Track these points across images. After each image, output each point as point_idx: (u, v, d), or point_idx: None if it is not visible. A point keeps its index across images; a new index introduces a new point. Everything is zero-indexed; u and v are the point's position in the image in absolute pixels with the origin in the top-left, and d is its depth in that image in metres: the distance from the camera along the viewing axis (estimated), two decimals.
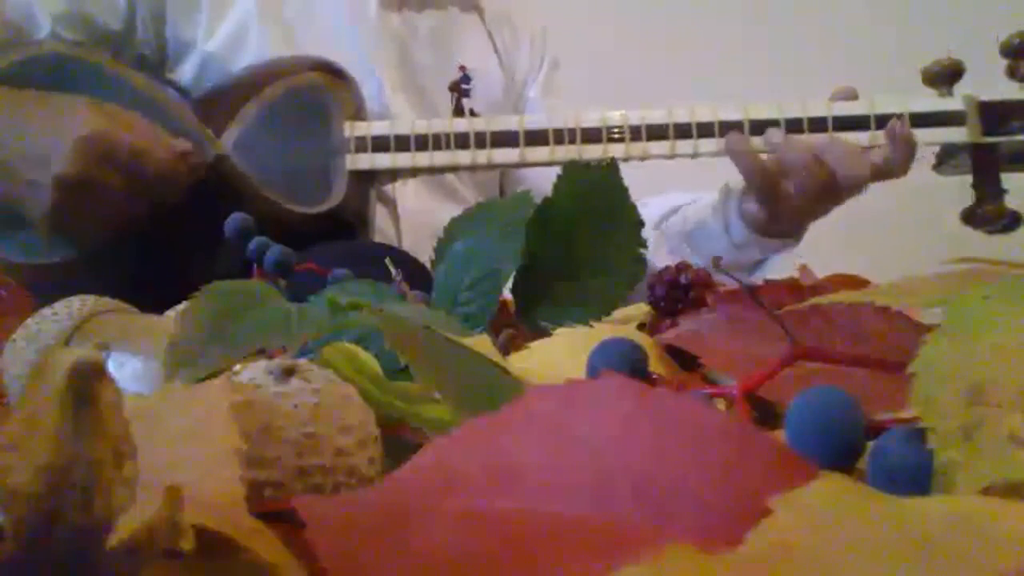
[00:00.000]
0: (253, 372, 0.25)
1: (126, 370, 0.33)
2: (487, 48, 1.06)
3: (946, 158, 0.83)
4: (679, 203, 0.95)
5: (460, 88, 1.01)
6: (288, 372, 0.25)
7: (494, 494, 0.18)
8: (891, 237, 1.16)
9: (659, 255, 0.89)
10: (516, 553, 0.16)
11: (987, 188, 0.82)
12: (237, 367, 0.26)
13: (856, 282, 0.44)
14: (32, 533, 0.14)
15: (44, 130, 0.74)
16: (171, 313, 0.41)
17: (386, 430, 0.27)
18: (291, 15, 0.94)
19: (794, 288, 0.41)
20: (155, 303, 0.42)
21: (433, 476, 0.19)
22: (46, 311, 0.36)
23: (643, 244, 0.48)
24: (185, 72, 0.92)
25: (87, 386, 0.15)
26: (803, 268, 0.89)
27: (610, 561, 0.15)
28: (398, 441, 0.29)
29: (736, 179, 0.85)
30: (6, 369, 0.35)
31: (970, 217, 0.82)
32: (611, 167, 0.49)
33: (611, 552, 0.16)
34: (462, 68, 1.02)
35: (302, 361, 0.26)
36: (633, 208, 0.49)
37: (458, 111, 1.00)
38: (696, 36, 1.64)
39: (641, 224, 0.48)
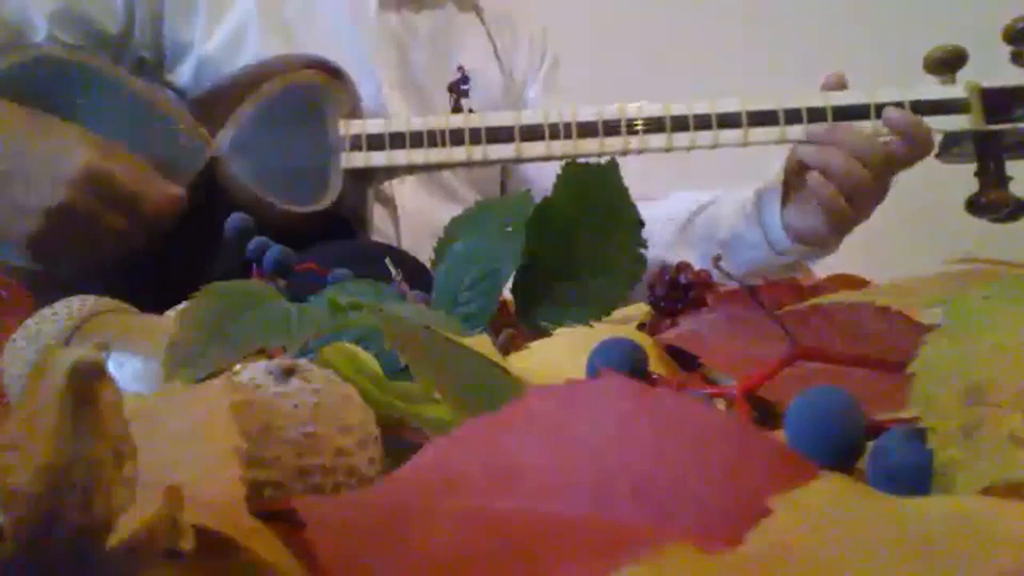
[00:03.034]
0: (253, 372, 0.25)
1: (126, 370, 0.33)
2: (486, 48, 1.06)
3: (949, 146, 0.82)
4: (702, 200, 0.95)
5: (458, 88, 1.01)
6: (288, 372, 0.25)
7: (494, 494, 0.18)
8: (891, 237, 1.16)
9: (683, 256, 0.89)
10: (516, 553, 0.16)
11: (991, 176, 0.81)
12: (237, 367, 0.26)
13: (856, 282, 0.44)
14: (32, 533, 0.14)
15: (42, 157, 0.73)
16: (171, 313, 0.41)
17: (386, 430, 0.27)
18: (291, 15, 0.94)
19: (794, 288, 0.41)
20: (155, 303, 0.42)
21: (433, 476, 0.19)
22: (46, 311, 0.36)
23: (643, 244, 0.48)
24: (183, 73, 0.92)
25: (87, 386, 0.15)
26: (803, 268, 0.89)
27: (610, 561, 0.15)
28: (398, 441, 0.29)
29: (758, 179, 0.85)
30: (6, 369, 0.35)
31: (974, 206, 0.81)
32: (611, 167, 0.49)
33: (611, 552, 0.16)
34: (460, 68, 1.02)
35: (302, 361, 0.26)
36: (633, 208, 0.49)
37: (457, 111, 1.00)
38: (696, 33, 1.64)
39: (641, 224, 0.48)
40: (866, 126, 0.78)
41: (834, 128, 0.78)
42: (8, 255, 0.79)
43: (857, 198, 0.79)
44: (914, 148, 0.78)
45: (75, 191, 0.72)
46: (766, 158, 0.87)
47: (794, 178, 0.84)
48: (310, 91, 0.84)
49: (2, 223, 0.75)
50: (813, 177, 0.80)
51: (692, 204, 0.95)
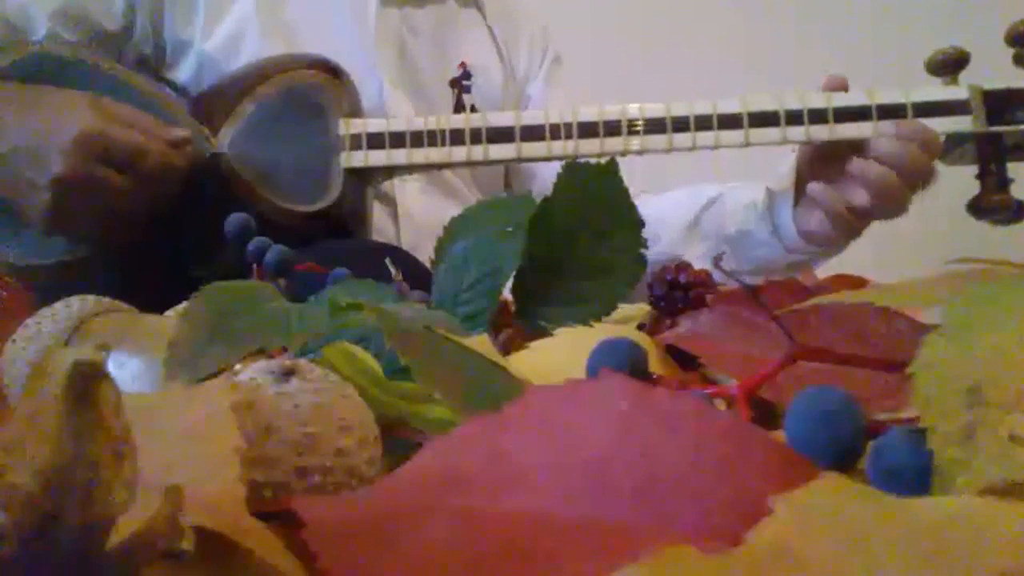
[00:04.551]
0: (253, 372, 0.25)
1: (126, 370, 0.33)
2: (488, 44, 1.06)
3: (951, 148, 0.82)
4: (711, 195, 0.95)
5: (460, 85, 1.01)
6: (288, 372, 0.25)
7: (494, 494, 0.18)
8: (891, 237, 1.16)
9: (693, 251, 0.90)
10: (516, 553, 0.16)
11: (992, 178, 0.81)
12: (237, 367, 0.26)
13: (856, 282, 0.44)
14: (32, 533, 0.14)
15: (40, 128, 0.74)
16: (171, 313, 0.41)
17: (386, 430, 0.27)
18: (291, 14, 0.94)
19: (794, 288, 0.41)
20: (155, 303, 0.42)
21: (433, 476, 0.19)
22: (46, 311, 0.36)
23: (643, 244, 0.48)
24: (184, 71, 0.92)
25: (87, 386, 0.15)
26: (804, 268, 0.89)
27: (610, 561, 0.15)
28: (398, 441, 0.29)
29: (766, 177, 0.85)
30: (6, 369, 0.35)
31: (975, 208, 0.81)
32: (611, 167, 0.49)
33: (611, 552, 0.16)
34: (462, 65, 1.02)
35: (302, 361, 0.26)
36: (633, 208, 0.49)
37: (459, 108, 1.00)
38: (696, 33, 1.64)
39: (641, 224, 0.48)
40: (865, 128, 0.79)
41: (899, 136, 0.78)
42: (8, 254, 0.79)
43: (889, 211, 0.79)
44: (919, 151, 0.78)
45: (75, 158, 0.72)
46: (766, 157, 0.87)
47: (808, 179, 0.84)
48: (310, 90, 0.84)
49: (19, 201, 0.75)
50: (812, 188, 0.80)
51: (702, 199, 0.95)
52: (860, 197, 0.79)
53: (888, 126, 0.78)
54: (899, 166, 0.78)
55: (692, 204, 0.95)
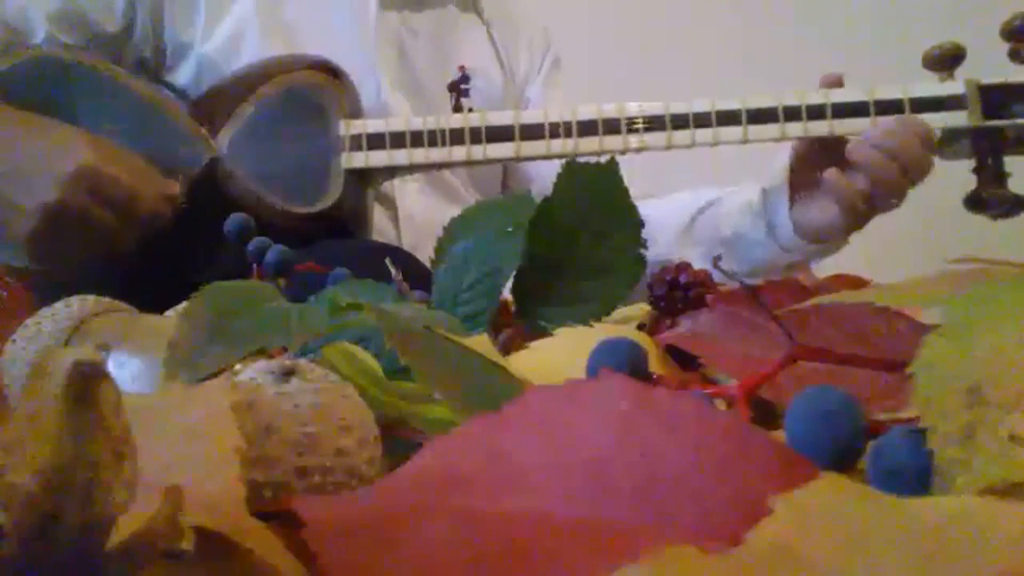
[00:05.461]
0: (253, 372, 0.25)
1: (126, 370, 0.33)
2: (487, 47, 1.06)
3: (948, 142, 0.82)
4: (710, 197, 0.95)
5: (459, 88, 1.01)
6: (288, 372, 0.25)
7: (494, 494, 0.18)
8: (891, 237, 1.16)
9: (689, 254, 0.89)
10: (516, 553, 0.16)
11: (989, 172, 0.81)
12: (237, 367, 0.26)
13: (856, 282, 0.44)
14: (32, 533, 0.14)
15: (38, 157, 0.74)
16: (171, 313, 0.41)
17: (386, 430, 0.27)
18: (290, 15, 0.94)
19: (794, 288, 0.41)
20: (155, 303, 0.42)
21: (433, 476, 0.19)
22: (46, 311, 0.36)
23: (643, 244, 0.48)
24: (184, 73, 0.92)
25: (87, 386, 0.15)
26: (803, 268, 0.89)
27: (610, 561, 0.15)
28: (398, 441, 0.29)
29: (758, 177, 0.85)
30: (6, 369, 0.35)
31: (972, 202, 0.81)
32: (611, 166, 0.49)
33: (611, 552, 0.16)
34: (461, 68, 1.02)
35: (302, 361, 0.26)
36: (633, 208, 0.49)
37: (457, 111, 1.00)
38: (696, 33, 1.64)
39: (641, 224, 0.48)
40: (864, 124, 0.79)
41: (898, 129, 0.78)
42: (7, 256, 0.79)
43: (886, 199, 0.79)
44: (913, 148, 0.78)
45: (70, 190, 0.72)
46: (768, 157, 0.87)
47: (802, 175, 0.83)
48: (310, 91, 0.84)
49: (5, 223, 0.75)
50: (832, 175, 0.79)
51: (700, 202, 0.95)
52: (861, 182, 0.79)
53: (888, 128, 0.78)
54: (875, 176, 0.78)
55: (688, 208, 0.95)
